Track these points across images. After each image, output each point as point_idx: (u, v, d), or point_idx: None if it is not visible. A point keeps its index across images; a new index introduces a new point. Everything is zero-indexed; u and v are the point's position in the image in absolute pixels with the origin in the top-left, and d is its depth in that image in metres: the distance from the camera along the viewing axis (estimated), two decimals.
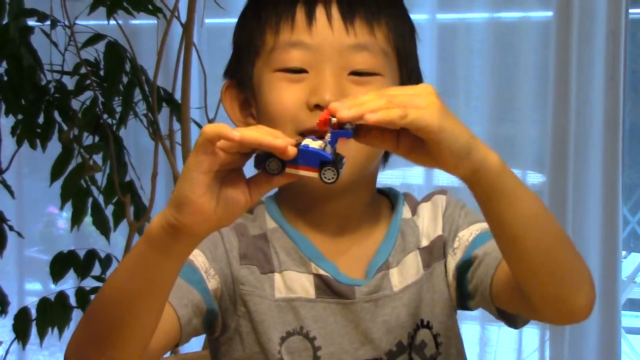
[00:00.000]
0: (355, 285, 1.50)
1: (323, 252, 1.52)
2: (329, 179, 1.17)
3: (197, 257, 1.46)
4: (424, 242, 1.57)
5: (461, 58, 3.49)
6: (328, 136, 1.18)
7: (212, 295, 1.47)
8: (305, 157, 1.17)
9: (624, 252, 3.54)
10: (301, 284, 1.50)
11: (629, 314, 4.07)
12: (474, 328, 3.55)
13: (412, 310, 1.52)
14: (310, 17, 1.45)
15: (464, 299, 1.55)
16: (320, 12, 1.45)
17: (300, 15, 1.46)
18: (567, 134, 3.37)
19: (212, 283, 1.47)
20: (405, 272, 1.54)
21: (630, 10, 3.36)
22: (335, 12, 1.46)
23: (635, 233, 4.99)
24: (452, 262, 1.55)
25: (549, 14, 3.38)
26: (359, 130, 1.18)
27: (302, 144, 1.17)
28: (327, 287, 1.50)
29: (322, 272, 1.50)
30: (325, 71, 1.45)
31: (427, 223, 1.58)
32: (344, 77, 1.46)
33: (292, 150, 1.12)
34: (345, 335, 1.49)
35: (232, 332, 1.52)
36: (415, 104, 1.13)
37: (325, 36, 1.45)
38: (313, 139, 1.19)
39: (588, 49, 3.33)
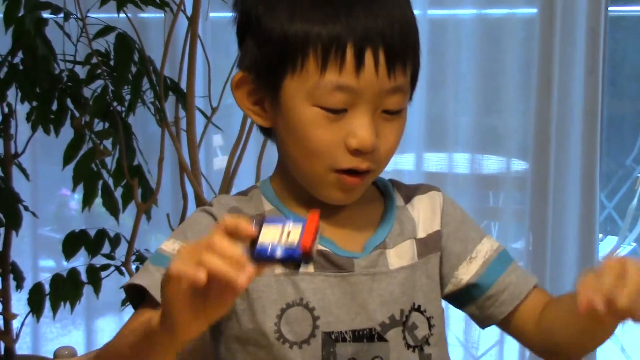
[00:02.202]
0: (354, 258, 1.50)
1: (320, 230, 1.51)
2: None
3: None
4: (421, 234, 1.56)
5: (450, 52, 3.48)
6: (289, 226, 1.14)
7: None
8: (265, 258, 1.13)
9: (600, 235, 3.54)
10: None
11: None
12: None
13: (406, 290, 1.52)
14: (359, 61, 1.39)
15: (459, 300, 1.60)
16: (368, 56, 1.39)
17: (350, 57, 1.39)
18: (548, 124, 3.37)
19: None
20: (401, 255, 1.54)
21: (610, 8, 3.36)
22: (382, 57, 1.40)
23: (612, 218, 4.99)
24: (467, 269, 1.59)
25: (533, 10, 3.38)
26: None
27: (259, 242, 1.13)
28: (326, 261, 1.50)
29: (321, 247, 1.50)
30: (364, 113, 1.42)
31: (424, 217, 1.59)
32: (377, 116, 1.43)
33: (243, 281, 1.08)
34: (342, 306, 1.49)
35: (229, 312, 1.50)
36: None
37: (371, 81, 1.40)
38: (271, 221, 1.15)
39: (570, 44, 3.33)
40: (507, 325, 1.59)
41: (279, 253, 1.12)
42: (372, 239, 1.54)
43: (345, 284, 1.50)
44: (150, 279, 1.43)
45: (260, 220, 1.15)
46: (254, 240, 1.13)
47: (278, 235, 1.13)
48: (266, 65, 1.46)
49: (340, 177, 1.45)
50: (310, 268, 1.49)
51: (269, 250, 1.12)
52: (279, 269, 1.49)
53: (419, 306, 1.54)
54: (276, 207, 1.55)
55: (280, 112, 1.47)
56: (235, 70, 1.54)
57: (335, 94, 1.40)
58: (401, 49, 1.43)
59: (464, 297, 1.60)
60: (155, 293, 1.39)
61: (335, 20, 1.40)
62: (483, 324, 1.62)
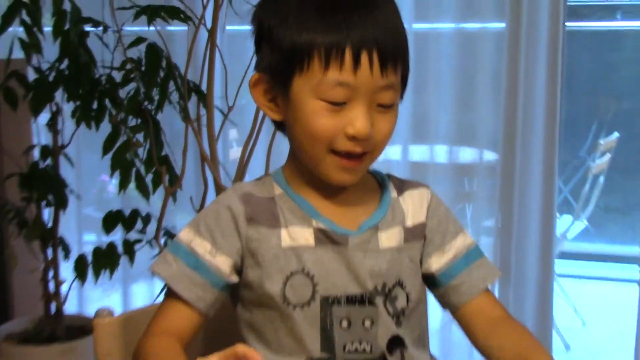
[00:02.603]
0: (349, 235, 1.52)
1: (321, 212, 1.54)
2: None
3: (198, 246, 1.52)
4: (408, 223, 1.58)
5: (432, 60, 3.47)
6: None
7: (221, 272, 1.52)
8: None
9: (558, 214, 3.53)
10: (303, 235, 1.52)
11: (560, 262, 4.07)
12: None
13: (391, 268, 1.53)
14: (356, 61, 1.42)
15: (428, 282, 1.62)
16: (364, 57, 1.42)
17: (348, 58, 1.42)
18: (515, 121, 3.35)
19: (220, 260, 1.51)
20: (390, 238, 1.55)
21: (567, 24, 3.35)
22: (375, 58, 1.43)
23: (567, 200, 4.99)
24: (438, 259, 1.60)
25: (502, 25, 3.36)
26: None
27: None
28: (325, 237, 1.51)
29: (321, 225, 1.51)
30: (361, 106, 1.44)
31: (412, 209, 1.60)
32: (373, 109, 1.46)
33: None
34: (337, 275, 1.50)
35: (242, 280, 1.54)
36: None
37: (367, 78, 1.43)
38: None
39: (533, 53, 3.32)
40: (455, 316, 1.61)
41: None
42: (367, 221, 1.54)
43: (340, 257, 1.51)
44: (169, 270, 1.52)
45: None
46: None
47: None
48: (278, 67, 1.48)
49: (338, 159, 1.47)
50: (311, 242, 1.51)
51: None
52: (285, 243, 1.51)
53: (402, 282, 1.54)
54: (285, 191, 1.56)
55: (290, 105, 1.49)
56: (251, 73, 1.56)
57: (336, 89, 1.43)
58: (392, 52, 1.45)
59: (429, 282, 1.62)
60: (173, 285, 1.50)
61: (336, 30, 1.42)
62: (443, 307, 1.63)
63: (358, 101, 1.44)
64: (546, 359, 1.42)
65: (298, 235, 1.52)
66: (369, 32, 1.43)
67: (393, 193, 1.61)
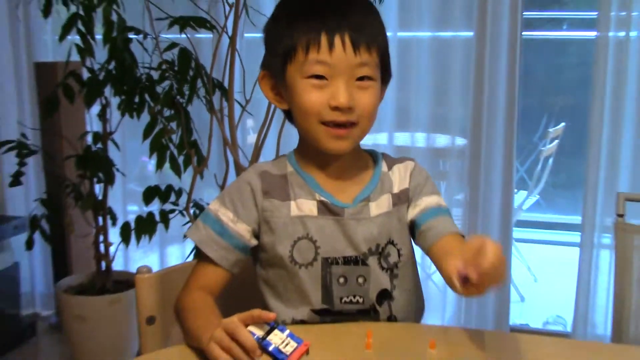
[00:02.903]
0: (345, 208, 1.52)
1: (323, 187, 1.54)
2: None
3: (223, 215, 1.54)
4: (395, 190, 1.58)
5: (413, 62, 3.45)
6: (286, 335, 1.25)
7: (241, 236, 1.53)
8: (265, 349, 1.24)
9: (515, 190, 3.52)
10: (308, 206, 1.53)
11: (517, 230, 4.06)
12: None
13: (381, 230, 1.53)
14: (330, 43, 1.43)
15: (411, 233, 1.60)
16: (337, 40, 1.43)
17: (324, 41, 1.43)
18: (481, 113, 3.33)
19: (240, 227, 1.53)
20: (380, 206, 1.55)
21: (523, 33, 3.32)
22: (347, 40, 1.44)
23: (523, 178, 4.98)
24: (412, 212, 1.58)
25: (471, 34, 3.34)
26: None
27: (268, 338, 1.24)
28: (325, 208, 1.52)
29: (323, 198, 1.53)
30: (340, 81, 1.45)
31: (398, 178, 1.60)
32: (351, 84, 1.46)
33: None
34: (336, 240, 1.51)
35: (259, 244, 1.56)
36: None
37: (341, 57, 1.44)
38: (282, 330, 1.25)
39: (496, 57, 3.29)
40: (430, 256, 1.56)
41: (275, 352, 1.21)
42: (360, 194, 1.55)
43: (338, 225, 1.52)
44: (199, 235, 1.54)
45: (276, 325, 1.25)
46: (265, 333, 1.24)
47: (280, 341, 1.22)
48: (274, 61, 1.51)
49: (328, 128, 1.47)
50: (315, 212, 1.52)
51: (271, 347, 1.21)
52: (293, 213, 1.52)
53: (393, 240, 1.55)
54: (295, 170, 1.57)
55: (288, 91, 1.50)
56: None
57: (316, 66, 1.44)
58: (364, 34, 1.45)
59: (411, 232, 1.60)
60: (203, 247, 1.53)
61: (314, 22, 1.45)
62: (424, 252, 1.58)
63: (337, 78, 1.45)
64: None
65: (304, 206, 1.53)
66: (342, 20, 1.45)
67: (384, 168, 1.61)
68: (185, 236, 1.58)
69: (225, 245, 1.53)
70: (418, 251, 1.61)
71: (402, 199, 1.57)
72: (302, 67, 1.45)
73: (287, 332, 1.21)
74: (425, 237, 1.55)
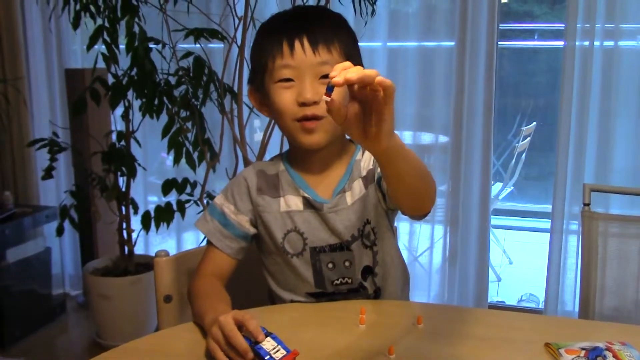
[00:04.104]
0: (324, 203, 1.51)
1: (308, 183, 1.53)
2: None
3: (226, 208, 1.55)
4: (364, 173, 1.54)
5: (401, 68, 3.43)
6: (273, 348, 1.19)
7: (242, 225, 1.54)
8: (257, 354, 1.18)
9: (492, 182, 3.51)
10: (295, 202, 1.52)
11: (494, 217, 4.05)
12: (405, 225, 3.55)
13: (359, 214, 1.51)
14: (291, 47, 1.42)
15: (385, 200, 1.52)
16: (297, 43, 1.42)
17: (285, 46, 1.43)
18: (461, 113, 3.33)
19: (240, 218, 1.54)
20: (354, 193, 1.52)
21: (499, 42, 3.31)
22: (306, 42, 1.43)
23: (499, 171, 4.96)
24: (377, 173, 1.52)
25: (452, 43, 3.33)
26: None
27: (261, 344, 1.19)
28: (309, 204, 1.51)
29: (306, 195, 1.52)
30: (305, 80, 1.43)
31: (366, 161, 1.55)
32: (316, 81, 1.43)
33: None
34: (321, 231, 1.51)
35: (259, 234, 1.56)
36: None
37: (302, 58, 1.43)
38: (274, 338, 1.20)
39: (475, 64, 3.28)
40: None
41: (265, 354, 1.17)
42: (337, 187, 1.53)
43: (320, 218, 1.51)
44: (207, 227, 1.56)
45: (269, 333, 1.20)
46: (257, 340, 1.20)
47: (272, 348, 1.18)
48: (256, 77, 1.51)
49: (300, 123, 1.45)
50: (301, 207, 1.52)
51: (262, 352, 1.17)
52: (282, 208, 1.52)
53: (369, 220, 1.52)
54: (286, 168, 1.56)
55: (268, 98, 1.49)
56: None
57: (282, 70, 1.43)
58: (321, 35, 1.44)
59: (384, 192, 1.51)
60: (210, 237, 1.54)
61: (277, 35, 1.44)
62: (402, 212, 1.44)
63: (303, 77, 1.43)
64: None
65: (291, 202, 1.52)
66: (299, 27, 1.44)
67: (359, 156, 1.57)
68: (195, 226, 1.58)
69: (229, 235, 1.53)
70: (404, 237, 1.59)
71: (369, 178, 1.53)
72: (272, 74, 1.45)
73: (278, 340, 1.19)
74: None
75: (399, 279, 1.61)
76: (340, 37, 1.47)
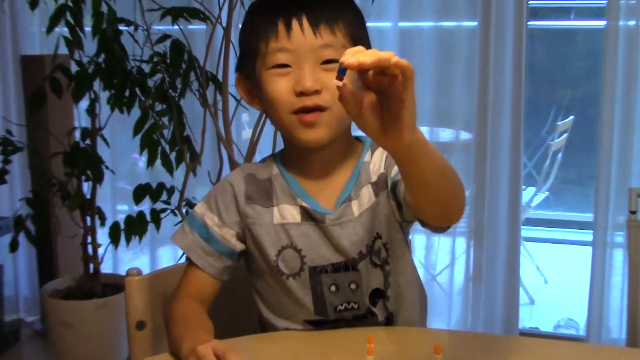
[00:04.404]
0: (326, 214, 1.49)
1: (307, 190, 1.52)
2: None
3: (209, 220, 1.53)
4: (374, 178, 1.52)
5: (415, 53, 3.44)
6: None
7: (227, 241, 1.53)
8: None
9: (523, 186, 3.52)
10: (291, 213, 1.50)
11: (525, 228, 4.05)
12: (421, 238, 3.55)
13: (368, 227, 1.49)
14: (288, 28, 1.42)
15: (401, 210, 1.50)
16: (295, 23, 1.42)
17: (281, 27, 1.42)
18: (486, 106, 3.34)
19: (225, 231, 1.53)
20: (362, 202, 1.50)
21: (529, 23, 3.32)
22: (305, 22, 1.42)
23: (531, 173, 4.97)
24: (390, 179, 1.50)
25: (475, 23, 3.34)
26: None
27: None
28: (308, 215, 1.50)
29: (305, 204, 1.50)
30: (304, 66, 1.42)
31: (376, 164, 1.53)
32: (317, 67, 1.42)
33: None
34: (322, 247, 1.49)
35: (248, 251, 1.55)
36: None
37: (301, 41, 1.42)
38: None
39: (501, 48, 3.29)
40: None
41: None
42: (341, 195, 1.51)
43: (321, 231, 1.49)
44: (185, 241, 1.55)
45: None
46: None
47: None
48: (245, 63, 1.50)
49: (298, 116, 1.43)
50: (298, 219, 1.50)
51: None
52: (276, 220, 1.51)
53: (380, 234, 1.50)
54: (280, 171, 1.55)
55: (259, 88, 1.48)
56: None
57: (277, 54, 1.43)
58: (323, 14, 1.43)
59: (397, 198, 1.49)
60: (189, 254, 1.53)
61: (270, 13, 1.44)
62: (421, 224, 1.43)
63: (301, 62, 1.42)
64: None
65: (286, 212, 1.51)
66: (297, 3, 1.43)
67: (367, 158, 1.55)
68: (171, 240, 1.57)
69: (212, 252, 1.52)
70: (420, 253, 1.59)
71: (381, 185, 1.51)
72: (265, 59, 1.44)
73: None
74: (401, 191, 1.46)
75: (416, 303, 1.60)
76: (345, 17, 1.46)
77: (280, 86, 1.43)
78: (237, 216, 1.53)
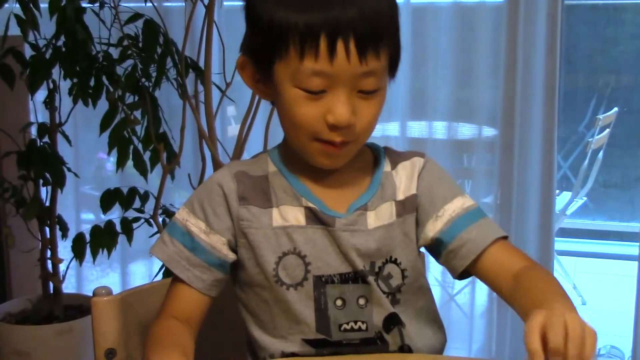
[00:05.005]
0: (336, 217, 1.50)
1: (312, 191, 1.53)
2: None
3: (193, 226, 1.53)
4: (400, 197, 1.55)
5: (430, 35, 3.46)
6: None
7: (216, 250, 1.53)
8: None
9: (557, 191, 3.53)
10: (294, 214, 1.51)
11: (560, 240, 4.07)
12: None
13: (381, 246, 1.52)
14: (331, 50, 1.38)
15: (432, 253, 1.58)
16: (340, 45, 1.37)
17: (323, 47, 1.37)
18: (514, 96, 3.35)
19: (214, 239, 1.52)
20: (380, 216, 1.53)
21: None
22: (352, 46, 1.38)
23: (567, 176, 4.99)
24: (433, 225, 1.55)
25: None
26: None
27: None
28: (314, 217, 1.51)
29: (311, 205, 1.51)
30: (340, 94, 1.41)
31: (404, 181, 1.56)
32: (354, 95, 1.42)
33: None
34: (329, 254, 1.50)
35: (238, 260, 1.54)
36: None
37: (343, 67, 1.39)
38: None
39: (532, 28, 3.31)
40: (473, 274, 1.55)
41: None
42: (356, 202, 1.53)
43: (329, 236, 1.51)
44: (166, 252, 1.54)
45: None
46: None
47: None
48: (259, 52, 1.47)
49: (321, 145, 1.45)
50: (302, 222, 1.51)
51: None
52: (276, 222, 1.51)
53: (396, 259, 1.54)
54: (279, 170, 1.55)
55: (274, 91, 1.47)
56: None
57: (313, 78, 1.40)
58: (372, 38, 1.40)
59: (433, 251, 1.59)
60: (172, 267, 1.52)
61: (311, 10, 1.39)
62: (452, 274, 1.57)
63: (338, 89, 1.41)
64: (561, 301, 1.34)
65: (289, 214, 1.52)
66: (346, 15, 1.39)
67: (387, 167, 1.58)
68: (150, 254, 1.57)
69: (198, 263, 1.52)
70: (437, 268, 1.62)
71: (408, 207, 1.55)
72: (295, 75, 1.41)
73: None
74: (459, 256, 1.53)
75: (435, 342, 1.63)
76: (390, 33, 1.46)
77: (307, 111, 1.43)
78: (228, 221, 1.53)
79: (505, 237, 1.55)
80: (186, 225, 1.53)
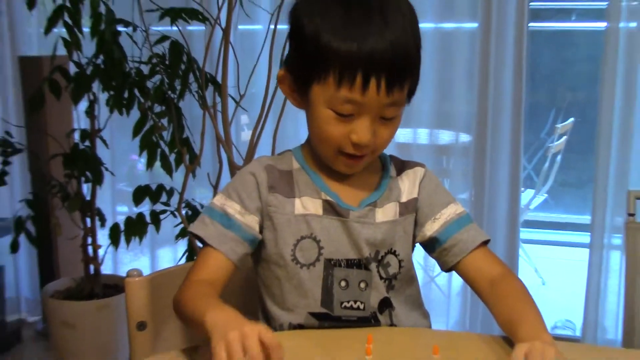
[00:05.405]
0: (350, 210, 1.54)
1: (330, 187, 1.56)
2: None
3: (229, 208, 1.54)
4: (403, 199, 1.59)
5: None
6: None
7: (250, 227, 1.53)
8: None
9: (522, 188, 3.52)
10: (314, 205, 1.54)
11: (524, 230, 4.06)
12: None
13: (386, 238, 1.55)
14: (365, 83, 1.40)
15: (426, 248, 1.63)
16: (373, 80, 1.39)
17: (359, 79, 1.39)
18: (486, 108, 3.34)
19: (249, 219, 1.53)
20: (386, 213, 1.56)
21: (530, 24, 3.32)
22: (383, 82, 1.40)
23: (530, 176, 4.98)
24: (431, 226, 1.59)
25: (475, 25, 3.34)
26: None
27: None
28: (331, 208, 1.54)
29: (329, 198, 1.54)
30: (366, 119, 1.44)
31: (407, 186, 1.61)
32: (376, 121, 1.46)
33: None
34: (340, 241, 1.53)
35: (262, 240, 1.56)
36: None
37: (373, 98, 1.41)
38: None
39: (501, 50, 3.30)
40: (457, 271, 1.60)
41: None
42: (367, 198, 1.56)
43: (343, 226, 1.53)
44: (206, 230, 1.53)
45: None
46: None
47: None
48: (301, 72, 1.48)
49: (344, 158, 1.50)
50: (320, 212, 1.53)
51: None
52: (297, 210, 1.54)
53: (395, 250, 1.57)
54: (301, 166, 1.58)
55: (308, 106, 1.50)
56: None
57: (345, 104, 1.42)
58: (400, 74, 1.43)
59: (428, 247, 1.62)
60: (211, 242, 1.51)
61: (352, 39, 1.39)
62: (442, 267, 1.62)
63: (364, 114, 1.44)
64: (532, 322, 1.39)
65: (309, 204, 1.54)
66: (381, 51, 1.40)
67: (393, 173, 1.62)
68: (188, 232, 1.59)
69: (234, 238, 1.52)
70: (420, 254, 1.62)
71: (410, 208, 1.59)
72: (330, 99, 1.43)
73: None
74: (452, 253, 1.58)
75: (420, 324, 1.64)
76: (414, 68, 1.49)
77: (335, 129, 1.46)
78: (259, 203, 1.54)
79: (487, 241, 1.60)
80: (223, 207, 1.54)
